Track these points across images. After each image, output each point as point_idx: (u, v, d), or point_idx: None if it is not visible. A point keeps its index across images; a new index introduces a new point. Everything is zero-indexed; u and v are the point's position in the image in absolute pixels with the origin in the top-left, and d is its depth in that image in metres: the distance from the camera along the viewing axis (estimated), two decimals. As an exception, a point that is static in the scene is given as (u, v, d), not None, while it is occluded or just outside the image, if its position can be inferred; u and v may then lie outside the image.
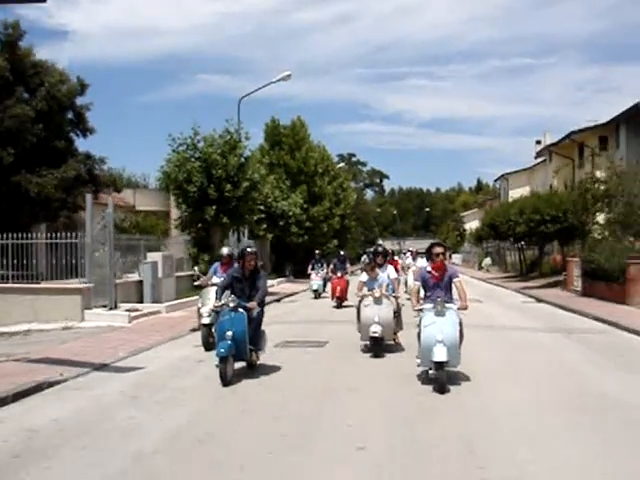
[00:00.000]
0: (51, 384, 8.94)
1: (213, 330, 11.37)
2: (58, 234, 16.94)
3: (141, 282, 19.90)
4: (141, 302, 19.34)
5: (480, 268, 55.05)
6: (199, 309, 12.77)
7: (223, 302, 9.81)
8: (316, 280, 25.71)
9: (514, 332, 14.63)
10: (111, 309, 17.04)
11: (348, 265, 23.24)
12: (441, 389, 8.47)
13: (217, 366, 9.17)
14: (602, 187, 25.18)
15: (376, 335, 11.24)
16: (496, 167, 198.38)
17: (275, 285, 30.31)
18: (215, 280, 12.73)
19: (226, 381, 9.08)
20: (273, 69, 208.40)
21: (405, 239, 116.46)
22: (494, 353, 11.73)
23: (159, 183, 27.30)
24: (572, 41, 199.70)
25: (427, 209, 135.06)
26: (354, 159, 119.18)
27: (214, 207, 24.58)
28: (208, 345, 11.87)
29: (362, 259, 23.23)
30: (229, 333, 9.33)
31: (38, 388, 8.66)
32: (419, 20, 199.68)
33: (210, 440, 6.41)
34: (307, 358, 11.40)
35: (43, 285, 16.82)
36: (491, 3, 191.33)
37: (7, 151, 18.56)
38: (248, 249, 10.36)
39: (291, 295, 27.14)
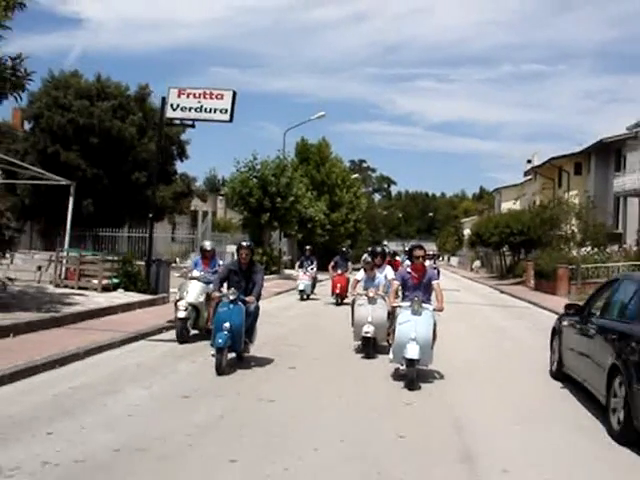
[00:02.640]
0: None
1: (188, 325, 12.09)
2: (175, 231, 26.05)
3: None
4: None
5: (471, 269, 64.15)
6: (177, 302, 12.33)
7: (222, 294, 9.89)
8: (303, 280, 22.95)
9: (472, 306, 23.59)
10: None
11: (350, 263, 22.29)
12: (410, 385, 8.78)
13: (213, 356, 9.40)
14: (547, 213, 34.46)
15: (368, 335, 11.13)
16: (504, 172, 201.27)
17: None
18: (195, 274, 12.62)
19: (220, 371, 9.23)
20: (286, 65, 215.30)
21: (409, 241, 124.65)
22: (455, 314, 20.36)
23: (226, 195, 36.48)
24: (585, 49, 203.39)
25: (431, 214, 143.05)
26: (364, 165, 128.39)
27: (268, 214, 33.74)
28: (182, 338, 11.90)
29: (363, 257, 21.79)
30: (227, 325, 9.42)
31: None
32: (432, 22, 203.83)
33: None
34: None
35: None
36: (505, 8, 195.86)
37: (142, 174, 27.73)
38: (243, 243, 10.49)
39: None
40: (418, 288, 9.70)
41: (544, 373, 10.30)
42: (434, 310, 9.50)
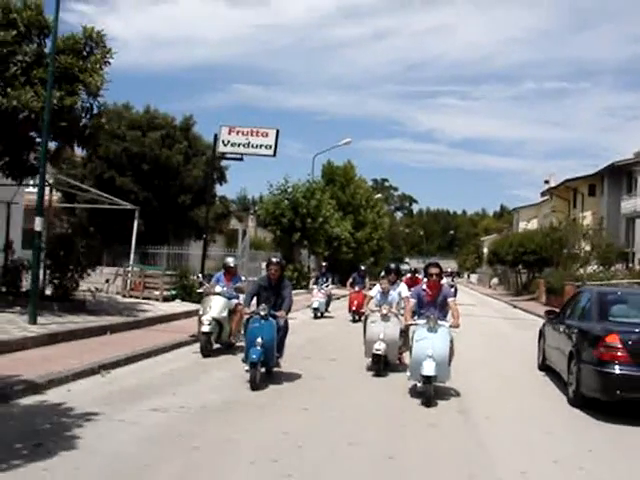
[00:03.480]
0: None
1: (212, 338, 12.48)
2: (209, 249, 28.82)
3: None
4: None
5: (489, 287, 66.58)
6: (200, 317, 12.69)
7: (253, 310, 10.12)
8: (317, 297, 22.49)
9: (485, 318, 26.17)
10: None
11: (367, 280, 21.85)
12: (427, 402, 8.83)
13: (247, 371, 9.56)
14: (557, 234, 37.05)
15: (379, 353, 11.02)
16: (525, 189, 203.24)
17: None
18: (218, 289, 12.92)
19: (255, 385, 9.40)
20: (308, 82, 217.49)
21: (430, 258, 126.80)
22: (468, 324, 23.05)
23: (260, 216, 39.44)
24: (606, 66, 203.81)
25: (452, 232, 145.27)
26: (387, 184, 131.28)
27: (299, 234, 36.63)
28: (206, 352, 12.27)
29: (381, 274, 20.76)
30: (259, 340, 9.59)
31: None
32: (454, 39, 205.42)
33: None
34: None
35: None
36: (527, 25, 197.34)
37: (187, 197, 30.76)
38: (273, 259, 10.67)
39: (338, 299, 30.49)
40: (433, 305, 9.81)
41: (533, 366, 12.98)
42: (450, 327, 9.57)
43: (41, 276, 15.58)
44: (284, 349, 10.64)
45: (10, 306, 15.24)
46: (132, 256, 21.97)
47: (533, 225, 62.66)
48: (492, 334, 20.16)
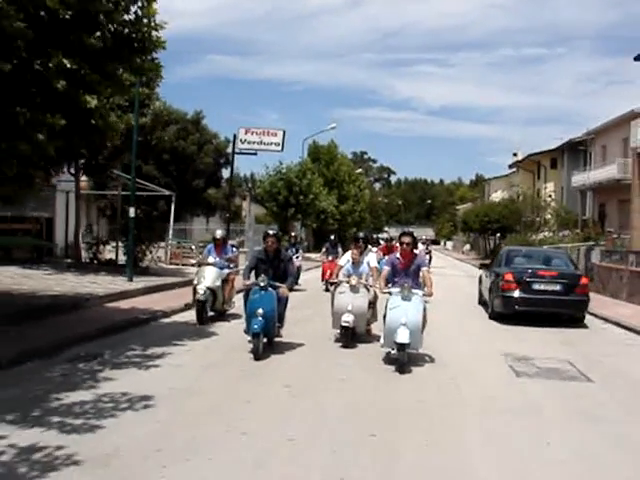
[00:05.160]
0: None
1: (207, 307, 13.11)
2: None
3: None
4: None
5: (462, 252, 72.93)
6: (195, 286, 13.26)
7: (253, 281, 10.25)
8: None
9: (450, 277, 32.13)
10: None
11: (340, 249, 22.14)
12: (401, 369, 9.05)
13: (249, 342, 9.83)
14: (515, 206, 43.23)
15: (347, 325, 10.81)
16: (503, 156, 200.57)
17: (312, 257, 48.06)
18: (211, 260, 13.63)
19: (258, 355, 9.54)
20: (283, 51, 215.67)
21: (408, 227, 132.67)
22: (436, 280, 29.25)
23: (257, 195, 45.11)
24: (584, 32, 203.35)
25: (429, 201, 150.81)
26: (366, 156, 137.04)
27: (293, 209, 42.36)
28: (201, 320, 12.84)
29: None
30: (260, 311, 9.72)
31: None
32: (431, 6, 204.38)
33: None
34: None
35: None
36: None
37: (201, 181, 36.45)
38: (270, 232, 10.73)
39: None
40: (406, 274, 9.95)
41: (474, 302, 18.94)
42: (423, 295, 9.74)
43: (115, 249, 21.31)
44: (285, 319, 10.89)
45: (97, 272, 20.96)
46: (170, 232, 27.59)
47: (502, 195, 68.74)
48: (453, 286, 26.10)
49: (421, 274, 10.06)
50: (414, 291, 9.63)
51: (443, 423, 6.87)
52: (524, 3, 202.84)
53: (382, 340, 9.80)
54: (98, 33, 9.72)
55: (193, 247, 30.10)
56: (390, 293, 9.76)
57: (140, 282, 18.74)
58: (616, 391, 8.82)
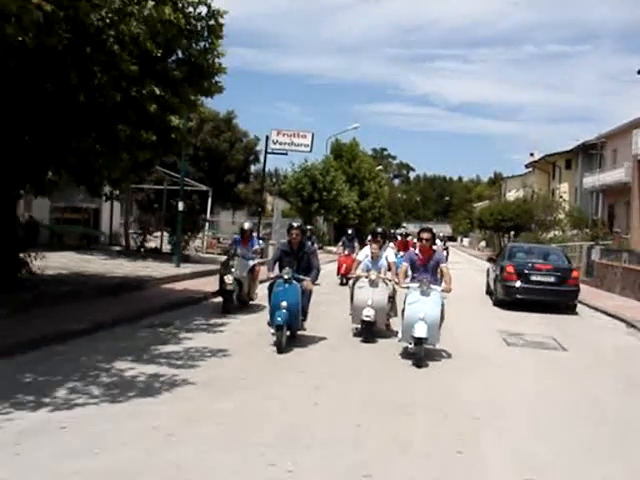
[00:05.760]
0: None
1: (234, 296, 13.49)
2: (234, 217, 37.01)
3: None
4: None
5: (478, 249, 75.09)
6: (222, 276, 13.58)
7: (277, 274, 10.30)
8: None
9: (464, 271, 34.38)
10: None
11: (356, 244, 22.14)
12: (418, 363, 9.17)
13: (273, 334, 9.82)
14: (527, 206, 45.37)
15: (368, 319, 10.79)
16: (524, 154, 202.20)
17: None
18: (238, 251, 13.95)
19: (281, 348, 9.58)
20: (305, 45, 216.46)
21: (427, 223, 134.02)
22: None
23: (283, 190, 47.57)
24: (608, 29, 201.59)
25: (447, 198, 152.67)
26: (385, 153, 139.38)
27: (316, 204, 44.80)
28: (227, 308, 13.30)
29: (368, 238, 19.19)
30: (284, 303, 9.73)
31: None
32: (453, 2, 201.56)
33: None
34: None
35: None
36: None
37: (232, 176, 38.97)
38: (294, 224, 10.82)
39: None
40: (425, 269, 10.05)
41: (482, 292, 21.25)
42: (442, 291, 9.85)
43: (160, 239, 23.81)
44: (308, 313, 10.85)
45: (144, 258, 23.49)
46: (207, 224, 30.08)
47: (516, 195, 70.73)
48: (465, 278, 28.19)
49: (439, 270, 10.20)
50: (433, 287, 9.77)
51: (446, 374, 9.24)
52: (548, 0, 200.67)
53: (400, 334, 9.98)
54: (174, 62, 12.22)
55: (220, 238, 32.52)
56: (409, 288, 9.93)
57: (186, 268, 21.24)
58: (583, 357, 11.20)
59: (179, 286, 17.70)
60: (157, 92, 11.19)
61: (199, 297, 15.97)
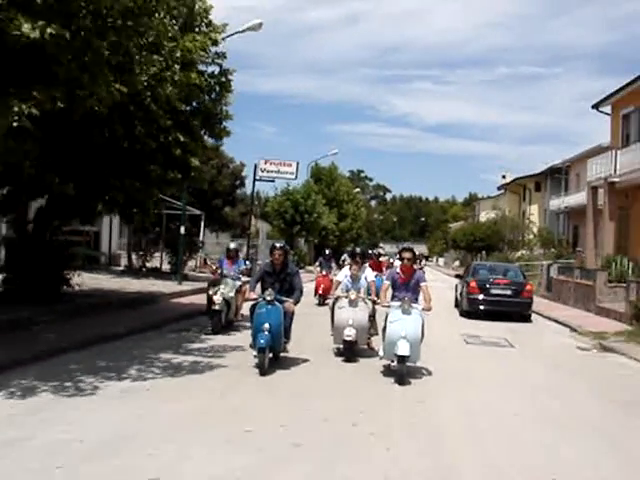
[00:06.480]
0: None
1: (222, 316, 13.73)
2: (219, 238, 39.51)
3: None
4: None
5: (452, 268, 78.08)
6: (211, 296, 13.78)
7: (260, 295, 10.18)
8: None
9: (436, 289, 37.03)
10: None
11: (333, 264, 22.65)
12: (400, 381, 9.34)
13: (255, 357, 9.81)
14: (495, 227, 48.44)
15: (350, 339, 10.92)
16: (498, 174, 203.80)
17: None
18: (226, 272, 14.20)
19: (263, 370, 9.57)
20: (281, 65, 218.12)
21: (403, 243, 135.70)
22: None
23: (267, 213, 50.18)
24: (581, 52, 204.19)
25: (423, 218, 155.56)
26: (362, 174, 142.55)
27: (298, 226, 47.46)
28: (216, 328, 13.48)
29: (342, 258, 22.27)
30: (266, 325, 9.67)
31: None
32: (428, 24, 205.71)
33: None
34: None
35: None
36: (503, 10, 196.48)
37: (219, 200, 41.49)
38: (277, 244, 10.71)
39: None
40: (407, 288, 10.20)
41: (451, 305, 23.90)
42: (422, 310, 10.04)
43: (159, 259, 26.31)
44: (291, 334, 10.83)
45: (147, 277, 25.91)
46: (200, 245, 32.52)
47: (488, 216, 73.88)
48: (436, 294, 30.67)
49: (420, 289, 10.39)
50: (413, 305, 9.94)
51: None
52: (522, 22, 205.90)
53: (381, 352, 10.12)
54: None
55: (208, 260, 34.78)
56: (389, 307, 10.05)
57: (187, 285, 23.73)
58: (526, 352, 14.05)
59: (185, 300, 20.20)
60: (181, 139, 13.80)
61: (205, 309, 18.42)
